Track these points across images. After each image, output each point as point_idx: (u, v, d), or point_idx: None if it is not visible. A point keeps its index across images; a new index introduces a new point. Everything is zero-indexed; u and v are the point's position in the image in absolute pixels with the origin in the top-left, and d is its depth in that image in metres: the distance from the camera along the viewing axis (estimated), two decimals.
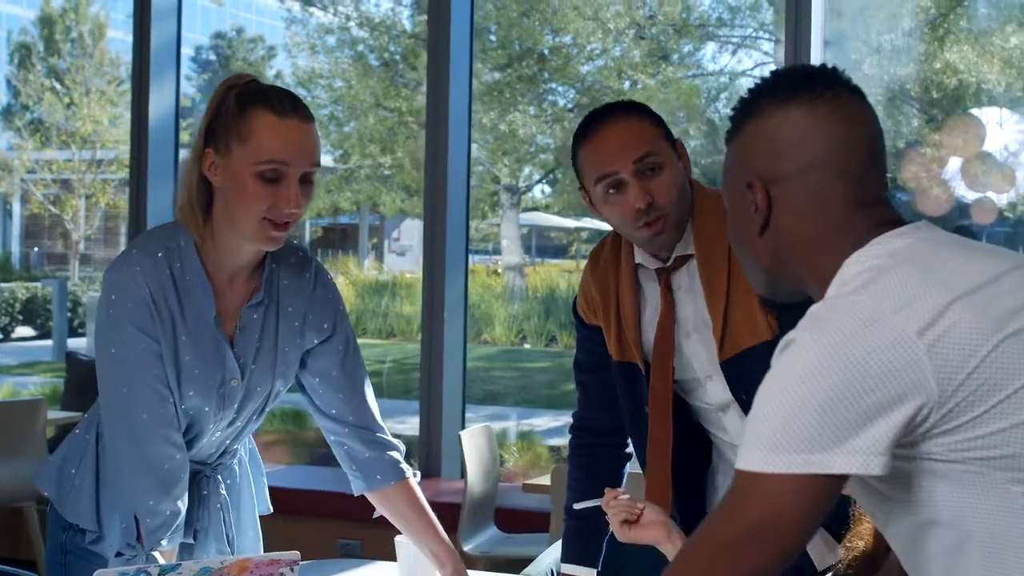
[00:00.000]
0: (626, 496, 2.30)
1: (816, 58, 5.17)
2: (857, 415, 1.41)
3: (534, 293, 16.90)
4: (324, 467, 9.77)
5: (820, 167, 1.59)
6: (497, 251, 19.45)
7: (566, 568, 2.70)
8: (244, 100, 2.26)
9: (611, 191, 2.44)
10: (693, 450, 2.64)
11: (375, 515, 2.64)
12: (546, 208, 19.53)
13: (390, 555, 2.81)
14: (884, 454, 1.42)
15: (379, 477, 2.56)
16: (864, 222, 1.58)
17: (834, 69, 1.65)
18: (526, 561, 3.46)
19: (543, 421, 12.63)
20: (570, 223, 19.49)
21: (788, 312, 2.22)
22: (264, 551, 2.64)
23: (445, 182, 5.82)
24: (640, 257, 2.57)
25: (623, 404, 2.65)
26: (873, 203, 1.60)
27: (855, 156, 1.60)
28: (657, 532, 2.26)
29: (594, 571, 2.68)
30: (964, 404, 1.42)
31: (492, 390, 13.46)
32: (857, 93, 1.63)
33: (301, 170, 2.25)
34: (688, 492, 2.67)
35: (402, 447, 2.60)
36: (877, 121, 1.65)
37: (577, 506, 2.39)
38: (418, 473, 2.62)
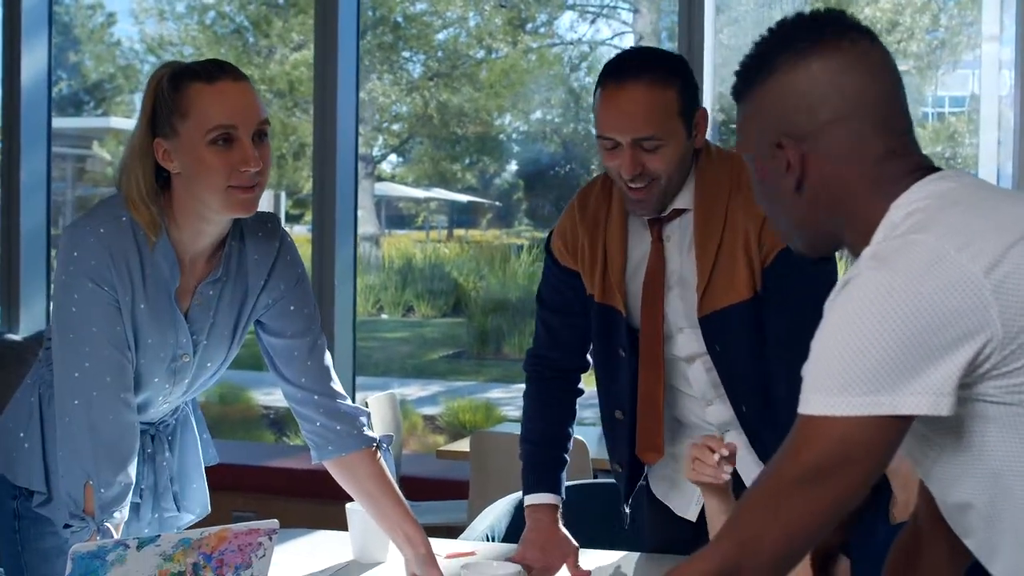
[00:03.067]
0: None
1: (708, 23, 5.22)
2: (925, 354, 1.40)
3: (390, 263, 16.82)
4: (217, 440, 9.68)
5: (850, 117, 1.57)
6: None
7: (531, 498, 2.68)
8: (175, 79, 2.25)
9: (608, 148, 2.45)
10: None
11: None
12: (393, 179, 19.44)
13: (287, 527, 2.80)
14: (952, 394, 1.41)
15: (333, 447, 2.51)
16: (900, 168, 1.57)
17: (841, 13, 1.62)
18: (435, 529, 3.45)
19: (412, 391, 12.62)
20: (420, 193, 19.44)
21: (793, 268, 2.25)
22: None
23: (334, 150, 5.74)
24: None
25: (596, 345, 2.67)
26: (905, 149, 1.59)
27: (883, 102, 1.58)
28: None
29: (560, 499, 2.68)
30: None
31: (356, 361, 13.34)
32: (869, 35, 1.60)
33: (251, 128, 2.24)
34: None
35: (366, 416, 2.55)
36: (895, 64, 1.63)
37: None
38: (386, 445, 2.57)
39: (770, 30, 1.65)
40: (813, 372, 1.46)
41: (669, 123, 2.42)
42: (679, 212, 2.55)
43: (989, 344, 1.42)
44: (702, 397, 2.64)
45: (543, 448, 2.72)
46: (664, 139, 2.42)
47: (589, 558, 2.68)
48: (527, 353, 2.80)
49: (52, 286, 2.31)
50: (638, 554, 2.74)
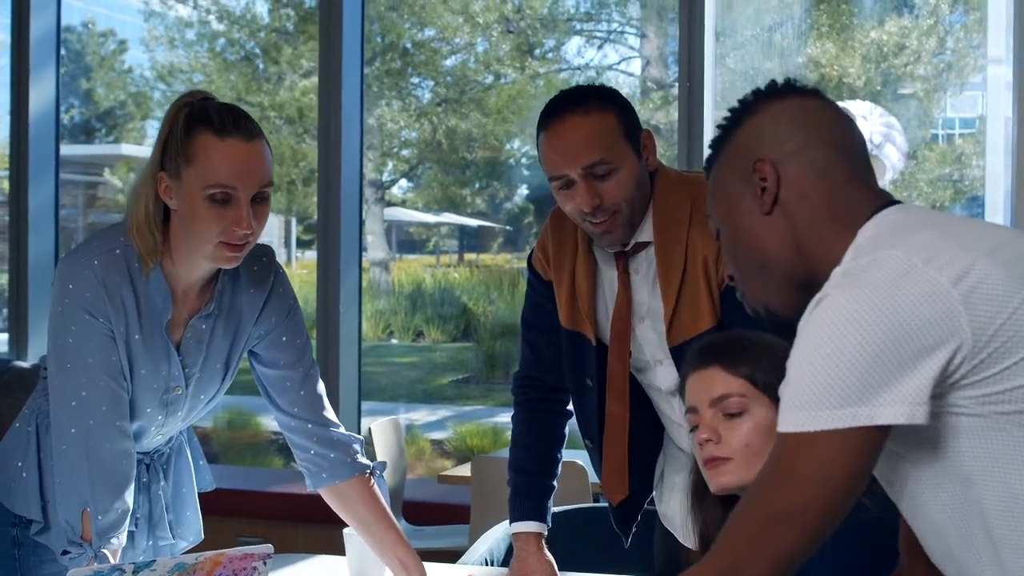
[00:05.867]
0: None
1: (709, 49, 5.25)
2: (898, 364, 1.43)
3: (400, 288, 16.84)
4: (224, 465, 9.68)
5: (820, 143, 1.66)
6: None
7: (516, 527, 2.69)
8: (190, 120, 2.23)
9: (562, 188, 2.45)
10: (644, 430, 2.68)
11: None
12: (403, 204, 19.48)
13: (293, 552, 2.81)
14: (926, 403, 1.44)
15: (327, 474, 2.54)
16: (864, 196, 1.64)
17: (794, 80, 1.75)
18: (437, 554, 3.46)
19: (420, 415, 12.61)
20: (430, 218, 19.47)
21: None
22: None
23: (339, 175, 5.76)
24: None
25: (568, 373, 2.67)
26: (868, 180, 1.67)
27: (849, 138, 1.69)
28: None
29: (546, 526, 2.69)
30: (994, 356, 1.46)
31: (363, 386, 13.36)
32: (819, 94, 1.73)
33: (251, 191, 2.23)
34: (640, 472, 2.70)
35: (359, 443, 2.57)
36: (849, 119, 1.74)
37: None
38: (379, 471, 2.59)
39: (729, 109, 1.76)
40: (790, 391, 1.49)
41: (616, 146, 2.42)
42: (643, 245, 2.54)
43: (959, 352, 1.45)
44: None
45: (528, 476, 2.72)
46: (614, 162, 2.41)
47: None
48: (513, 377, 2.80)
49: (49, 318, 2.33)
50: None
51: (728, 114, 1.75)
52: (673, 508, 2.74)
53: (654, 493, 2.79)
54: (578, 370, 2.64)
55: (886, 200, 1.65)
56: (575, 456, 4.05)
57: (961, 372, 1.46)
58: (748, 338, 2.15)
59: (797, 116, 1.68)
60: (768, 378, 2.03)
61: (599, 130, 2.42)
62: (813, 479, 1.46)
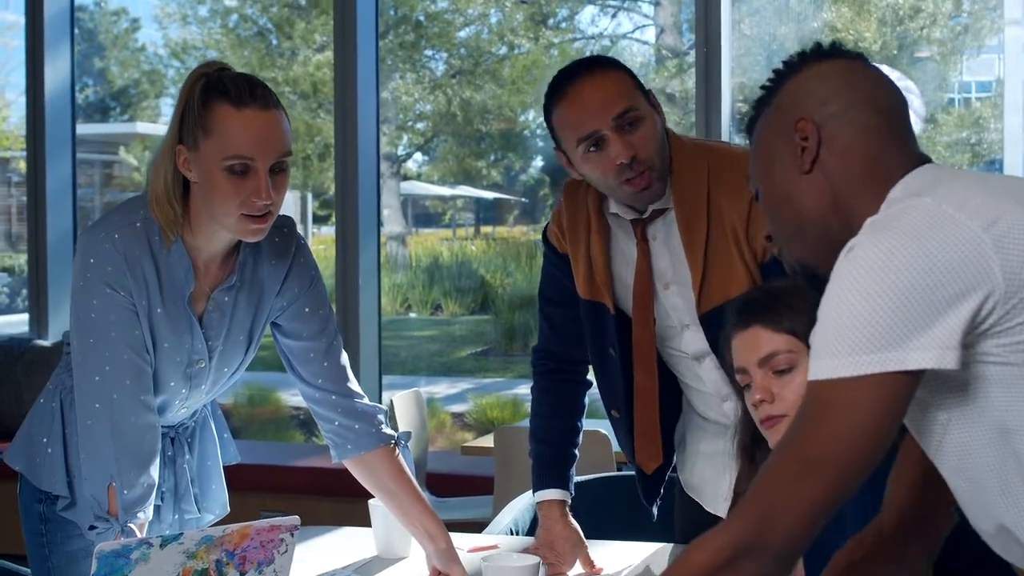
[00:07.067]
0: None
1: (725, 14, 5.23)
2: (929, 309, 1.43)
3: (417, 262, 16.84)
4: (246, 440, 9.73)
5: (863, 105, 1.66)
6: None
7: (540, 495, 2.70)
8: (207, 92, 2.22)
9: (592, 149, 2.43)
10: (666, 399, 2.67)
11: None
12: (418, 177, 19.47)
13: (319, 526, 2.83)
14: (956, 348, 1.43)
15: (352, 446, 2.54)
16: (901, 157, 1.64)
17: (840, 43, 1.75)
18: (462, 525, 3.47)
19: (440, 388, 12.63)
20: (446, 192, 19.46)
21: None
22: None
23: (355, 150, 5.77)
24: (615, 207, 2.57)
25: (590, 344, 2.66)
26: (907, 143, 1.67)
27: (890, 99, 1.69)
28: None
29: (569, 494, 2.70)
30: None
31: (383, 360, 13.38)
32: (864, 59, 1.73)
33: (269, 161, 2.21)
34: (663, 441, 2.70)
35: (383, 413, 2.57)
36: (893, 83, 1.74)
37: None
38: (404, 441, 2.59)
39: (774, 70, 1.76)
40: (820, 338, 1.49)
41: (637, 97, 2.44)
42: (660, 212, 2.54)
43: (991, 298, 1.44)
44: (716, 394, 2.63)
45: (550, 445, 2.72)
46: (640, 110, 2.43)
47: (616, 551, 2.70)
48: (532, 350, 2.81)
49: (71, 292, 2.32)
50: (671, 545, 2.74)
51: (772, 75, 1.75)
52: (698, 476, 2.73)
53: (676, 461, 2.79)
54: (599, 340, 2.63)
55: (921, 160, 1.66)
56: (598, 425, 4.05)
57: (992, 319, 1.45)
58: (783, 290, 2.14)
59: (841, 78, 1.68)
60: (810, 329, 2.02)
61: (620, 82, 2.45)
62: (844, 426, 1.45)
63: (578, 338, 2.70)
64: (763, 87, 1.76)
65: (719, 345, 2.36)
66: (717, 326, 2.48)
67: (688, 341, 2.59)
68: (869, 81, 1.69)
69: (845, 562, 1.87)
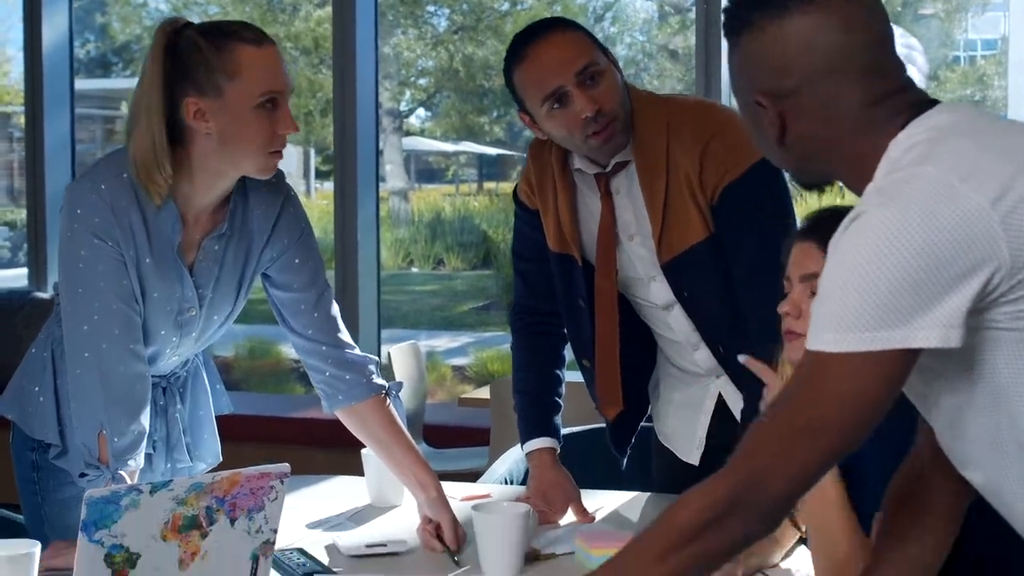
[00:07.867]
0: None
1: None
2: (935, 288, 1.40)
3: (419, 217, 16.82)
4: (244, 392, 9.76)
5: (826, 75, 1.56)
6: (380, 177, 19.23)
7: (529, 445, 2.73)
8: (214, 37, 2.25)
9: (556, 106, 2.45)
10: (637, 349, 2.71)
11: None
12: (421, 133, 19.41)
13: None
14: (961, 326, 1.41)
15: (343, 396, 2.56)
16: (893, 108, 1.56)
17: None
18: (458, 475, 3.50)
19: (442, 342, 12.65)
20: (448, 147, 19.42)
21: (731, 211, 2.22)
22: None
23: (354, 105, 5.76)
24: (579, 163, 2.59)
25: (560, 296, 2.71)
26: (894, 92, 1.58)
27: (863, 51, 1.57)
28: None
29: (557, 442, 2.72)
30: None
31: (383, 314, 13.40)
32: None
33: (288, 93, 2.28)
34: (632, 390, 2.73)
35: (374, 364, 2.59)
36: (879, 9, 1.61)
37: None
38: (395, 391, 2.61)
39: (724, 21, 1.65)
40: (823, 310, 1.46)
41: (596, 52, 2.47)
42: (622, 165, 2.57)
43: (997, 274, 1.42)
44: (686, 343, 2.67)
45: (534, 396, 2.76)
46: (600, 65, 2.46)
47: (598, 499, 2.73)
48: (509, 308, 2.85)
49: (59, 243, 2.34)
50: (647, 494, 2.77)
51: (732, 7, 1.64)
52: (672, 426, 2.78)
53: (651, 411, 2.83)
54: (568, 292, 2.68)
55: (918, 100, 1.57)
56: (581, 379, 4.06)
57: (999, 291, 1.43)
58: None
59: (797, 40, 1.56)
60: None
61: (578, 40, 2.48)
62: (841, 397, 1.45)
63: (551, 293, 2.74)
64: (725, 22, 1.65)
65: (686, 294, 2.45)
66: (680, 274, 2.53)
67: (656, 292, 2.63)
68: (842, 33, 1.55)
69: (905, 474, 1.86)
